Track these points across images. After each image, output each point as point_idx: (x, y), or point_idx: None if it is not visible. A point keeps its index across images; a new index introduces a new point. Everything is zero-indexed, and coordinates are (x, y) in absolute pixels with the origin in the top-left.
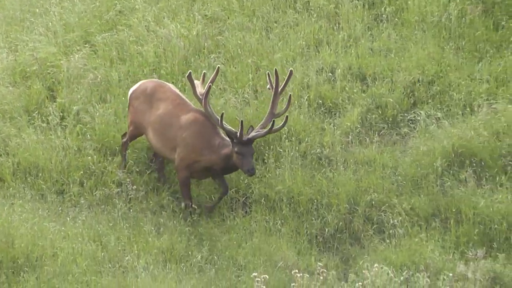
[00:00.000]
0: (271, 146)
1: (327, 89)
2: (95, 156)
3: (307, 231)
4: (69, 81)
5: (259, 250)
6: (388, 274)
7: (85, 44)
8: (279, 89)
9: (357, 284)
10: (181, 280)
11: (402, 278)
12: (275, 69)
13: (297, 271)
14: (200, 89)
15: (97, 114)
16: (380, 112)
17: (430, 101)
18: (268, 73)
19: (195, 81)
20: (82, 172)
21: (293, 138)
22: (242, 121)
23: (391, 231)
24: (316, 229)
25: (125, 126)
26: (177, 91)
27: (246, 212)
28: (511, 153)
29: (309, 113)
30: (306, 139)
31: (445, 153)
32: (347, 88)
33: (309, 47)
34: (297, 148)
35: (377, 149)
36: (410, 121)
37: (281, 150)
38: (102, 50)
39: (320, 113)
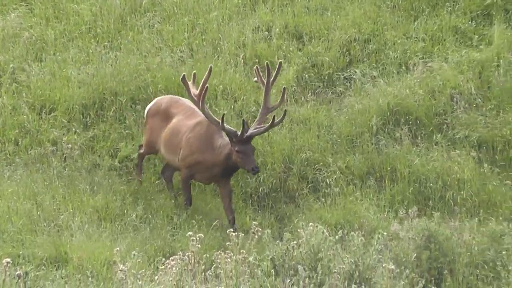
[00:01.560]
0: (207, 105)
1: (263, 48)
2: (30, 115)
3: (242, 190)
4: (4, 40)
5: (194, 209)
6: (323, 233)
7: (21, 2)
8: (270, 81)
9: (292, 243)
10: (116, 238)
11: (337, 237)
12: (267, 63)
13: (231, 230)
14: (194, 90)
15: (33, 72)
16: (316, 71)
17: (366, 59)
18: (256, 67)
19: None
20: (17, 130)
21: (228, 96)
22: (244, 120)
23: (326, 190)
24: (251, 188)
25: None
26: (191, 104)
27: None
28: (446, 111)
29: (245, 72)
30: (242, 98)
31: (380, 111)
32: (283, 47)
33: (245, 6)
34: (232, 106)
35: (313, 108)
36: (346, 80)
37: (217, 109)
38: (38, 9)
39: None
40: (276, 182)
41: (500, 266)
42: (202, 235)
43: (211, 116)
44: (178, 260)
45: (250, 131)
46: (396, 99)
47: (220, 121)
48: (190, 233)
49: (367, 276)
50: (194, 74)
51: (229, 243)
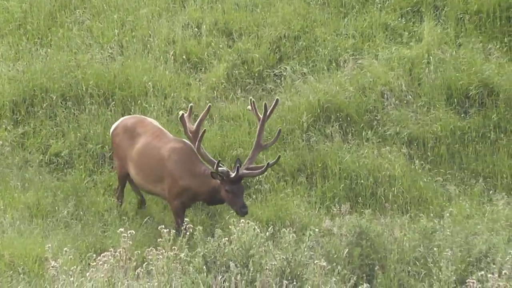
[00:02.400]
0: (138, 101)
1: (193, 45)
2: None
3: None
4: None
5: (126, 206)
6: (254, 229)
7: None
8: (265, 118)
9: (223, 240)
10: (48, 235)
11: (268, 233)
12: (265, 104)
13: (163, 226)
14: (189, 125)
15: None
16: (246, 68)
17: (296, 56)
18: (251, 99)
19: (181, 112)
20: None
21: (159, 93)
22: (238, 159)
23: (257, 186)
24: None
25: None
26: (158, 124)
27: (112, 167)
28: (377, 108)
29: (175, 68)
30: (172, 95)
31: (311, 108)
32: (213, 44)
33: (175, 2)
34: (163, 103)
35: (243, 105)
36: (276, 77)
37: (147, 106)
38: None
39: (186, 69)
40: None
41: (431, 262)
42: (134, 232)
43: (207, 157)
44: (110, 257)
45: (242, 171)
46: (327, 96)
47: (216, 163)
48: (121, 229)
49: (298, 273)
50: (191, 106)
51: (160, 239)
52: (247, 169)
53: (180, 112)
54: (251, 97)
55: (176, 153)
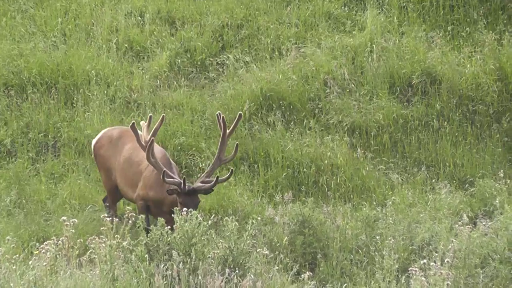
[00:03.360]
0: (80, 90)
1: (135, 33)
2: None
3: None
4: None
5: (69, 194)
6: (196, 218)
7: None
8: (227, 133)
9: (166, 228)
10: None
11: (210, 222)
12: (220, 113)
13: (105, 215)
14: (146, 135)
15: None
16: (189, 56)
17: (238, 45)
18: (218, 113)
19: (141, 122)
20: None
21: (101, 82)
22: (184, 178)
23: (199, 175)
24: None
25: None
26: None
27: (55, 155)
28: (319, 96)
29: (117, 57)
30: (115, 83)
31: (253, 97)
32: (155, 32)
33: None
34: (105, 92)
35: (186, 93)
36: (219, 65)
37: (90, 94)
38: None
39: (128, 57)
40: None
41: (374, 251)
42: (76, 220)
43: (156, 165)
44: (52, 245)
45: (197, 184)
46: (269, 84)
47: (162, 173)
48: (64, 218)
49: (241, 261)
50: (150, 117)
51: (103, 228)
52: (202, 182)
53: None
54: (219, 112)
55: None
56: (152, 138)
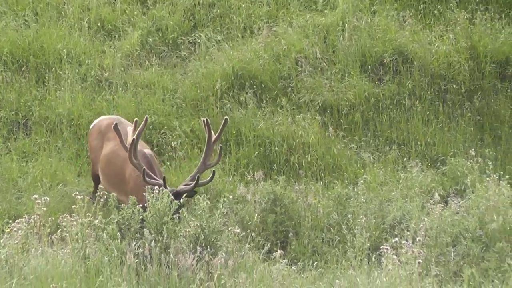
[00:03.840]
0: (52, 69)
1: (107, 12)
2: None
3: (87, 153)
4: None
5: (41, 173)
6: (168, 196)
7: None
8: (213, 139)
9: (137, 206)
10: None
11: (182, 201)
12: (207, 119)
13: (77, 193)
14: (130, 137)
15: None
16: (161, 35)
17: (210, 24)
18: (203, 120)
19: (128, 128)
20: None
21: (73, 60)
22: (164, 177)
23: (171, 153)
24: None
25: None
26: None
27: (26, 134)
28: (291, 75)
29: (89, 36)
30: (87, 62)
31: (225, 75)
32: (127, 11)
33: None
34: (77, 70)
35: (157, 72)
36: (190, 44)
37: (61, 73)
38: None
39: (100, 36)
40: None
41: (346, 229)
42: (48, 199)
43: (138, 166)
44: (24, 223)
45: (180, 187)
46: (241, 63)
47: (141, 173)
48: (35, 196)
49: (212, 239)
50: (136, 121)
51: (75, 206)
52: (185, 185)
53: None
54: (206, 118)
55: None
56: (134, 139)
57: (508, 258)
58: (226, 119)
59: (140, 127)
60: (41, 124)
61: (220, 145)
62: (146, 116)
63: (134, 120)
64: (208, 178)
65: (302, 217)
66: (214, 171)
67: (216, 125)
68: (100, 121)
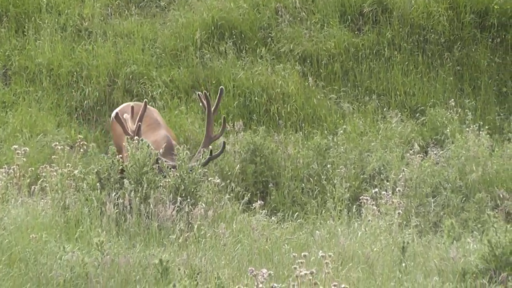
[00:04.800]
0: (31, 18)
1: None
2: None
3: (67, 104)
4: None
5: (20, 123)
6: (148, 146)
7: None
8: (212, 109)
9: (117, 157)
10: None
11: (161, 150)
12: (204, 92)
13: (57, 143)
14: (130, 125)
15: None
16: None
17: None
18: (198, 93)
19: (125, 115)
20: None
21: (52, 10)
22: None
23: (151, 103)
24: (76, 102)
25: None
26: (156, 115)
27: (6, 84)
28: (271, 25)
29: None
30: (66, 11)
31: (204, 25)
32: None
33: None
34: (56, 20)
35: (137, 22)
36: None
37: (41, 22)
38: None
39: None
40: (101, 95)
41: (325, 179)
42: (28, 149)
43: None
44: (4, 174)
45: (191, 163)
46: (221, 13)
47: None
48: (15, 146)
49: (192, 190)
50: (132, 107)
51: (54, 156)
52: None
53: (115, 112)
54: (204, 91)
55: (156, 145)
56: (139, 124)
57: (488, 208)
58: (221, 89)
59: (140, 112)
60: (21, 74)
61: (223, 115)
62: (145, 100)
63: (131, 107)
64: (219, 151)
65: (282, 167)
66: (224, 142)
67: (196, 74)
68: (123, 108)
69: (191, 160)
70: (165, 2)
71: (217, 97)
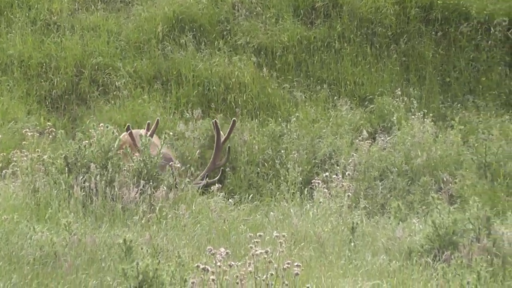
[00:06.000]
0: (3, 13)
1: None
2: None
3: (36, 93)
4: None
5: None
6: (113, 133)
7: None
8: (221, 141)
9: (84, 142)
10: None
11: (126, 136)
12: (215, 121)
13: (27, 130)
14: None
15: None
16: None
17: None
18: (215, 121)
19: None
20: None
21: (23, 5)
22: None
23: (115, 92)
24: (45, 91)
25: None
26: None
27: None
28: (228, 19)
29: None
30: (36, 6)
31: (166, 19)
32: None
33: None
34: (27, 14)
35: (102, 16)
36: None
37: (12, 17)
38: None
39: None
40: (69, 85)
41: (279, 164)
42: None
43: None
44: None
45: (197, 182)
46: (181, 7)
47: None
48: None
49: (154, 174)
50: (148, 124)
51: (25, 142)
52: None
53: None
54: (216, 119)
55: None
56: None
57: (432, 191)
58: (234, 120)
59: (152, 128)
60: None
61: (228, 145)
62: (158, 118)
63: (147, 123)
64: (217, 177)
65: (239, 152)
66: (222, 169)
67: (157, 65)
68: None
69: (195, 179)
70: None
71: (229, 128)
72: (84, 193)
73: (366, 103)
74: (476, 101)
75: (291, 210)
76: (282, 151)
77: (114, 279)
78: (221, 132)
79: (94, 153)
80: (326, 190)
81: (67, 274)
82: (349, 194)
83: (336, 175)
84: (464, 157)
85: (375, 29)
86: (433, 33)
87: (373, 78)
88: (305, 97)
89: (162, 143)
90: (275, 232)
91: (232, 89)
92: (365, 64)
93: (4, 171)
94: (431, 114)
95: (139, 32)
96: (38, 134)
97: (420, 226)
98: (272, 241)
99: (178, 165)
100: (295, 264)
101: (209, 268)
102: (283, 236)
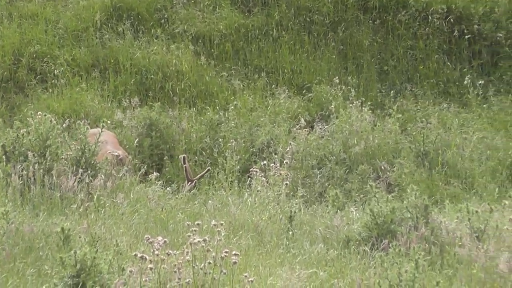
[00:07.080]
0: None
1: None
2: None
3: None
4: None
5: None
6: (51, 121)
7: None
8: (192, 179)
9: (22, 131)
10: None
11: (64, 125)
12: (184, 156)
13: None
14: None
15: None
16: None
17: None
18: (181, 157)
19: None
20: None
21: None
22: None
23: (53, 81)
24: None
25: None
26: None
27: None
28: (166, 7)
29: None
30: None
31: (104, 7)
32: None
33: None
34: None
35: (40, 4)
36: None
37: None
38: None
39: None
40: (6, 73)
41: (217, 152)
42: None
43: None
44: None
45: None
46: None
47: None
48: None
49: (92, 162)
50: (184, 157)
51: None
52: None
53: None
54: (184, 155)
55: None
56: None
57: (370, 179)
58: (208, 169)
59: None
60: None
61: (208, 167)
62: (184, 155)
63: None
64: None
65: (177, 141)
66: (209, 168)
67: (95, 54)
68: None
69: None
70: None
71: (202, 173)
72: (22, 181)
73: (304, 91)
74: (414, 89)
75: (229, 199)
76: (220, 139)
77: (52, 267)
78: (188, 169)
79: (32, 142)
80: (264, 179)
81: (4, 263)
82: (287, 182)
83: (274, 164)
84: (402, 145)
85: (313, 17)
86: (371, 21)
87: (311, 67)
88: (243, 85)
89: (101, 131)
90: (213, 220)
91: (170, 78)
92: (303, 53)
93: None
94: (369, 103)
95: (77, 20)
96: None
97: (358, 214)
98: (210, 230)
99: (116, 153)
100: (233, 252)
101: (147, 257)
102: (221, 224)
